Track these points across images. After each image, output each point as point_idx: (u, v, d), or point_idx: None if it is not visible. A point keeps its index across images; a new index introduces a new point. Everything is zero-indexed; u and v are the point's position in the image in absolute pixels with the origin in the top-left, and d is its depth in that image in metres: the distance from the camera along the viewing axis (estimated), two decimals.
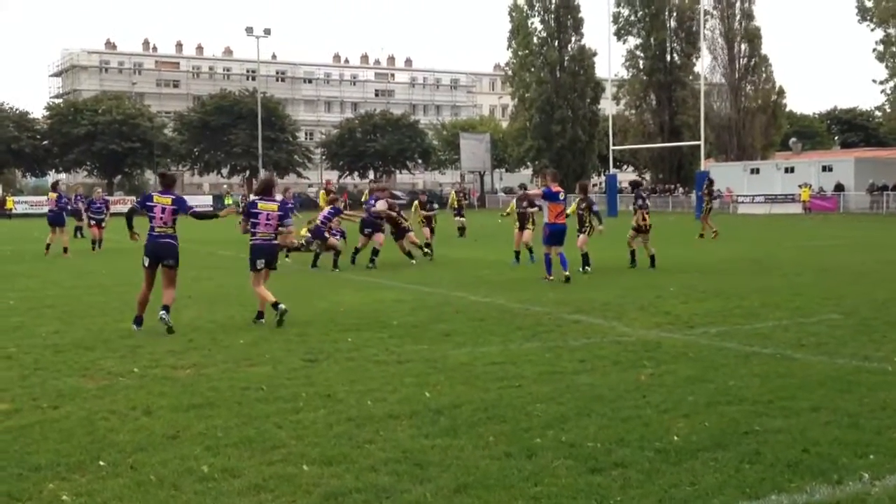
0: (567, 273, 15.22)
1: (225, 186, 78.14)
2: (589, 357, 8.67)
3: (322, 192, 28.10)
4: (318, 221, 19.27)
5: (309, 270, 18.32)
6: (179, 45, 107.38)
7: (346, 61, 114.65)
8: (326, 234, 18.91)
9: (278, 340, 9.86)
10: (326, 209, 19.96)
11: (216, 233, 27.40)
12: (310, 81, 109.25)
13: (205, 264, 20.49)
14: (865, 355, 8.55)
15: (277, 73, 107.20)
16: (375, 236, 18.96)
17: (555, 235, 15.48)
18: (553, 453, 5.55)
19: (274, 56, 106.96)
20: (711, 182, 32.39)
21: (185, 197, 14.69)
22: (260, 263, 11.20)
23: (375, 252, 18.68)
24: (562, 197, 15.87)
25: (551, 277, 15.27)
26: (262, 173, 76.66)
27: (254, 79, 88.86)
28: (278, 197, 12.52)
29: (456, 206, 31.27)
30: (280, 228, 11.30)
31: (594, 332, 10.25)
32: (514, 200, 20.13)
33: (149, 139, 73.47)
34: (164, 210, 10.77)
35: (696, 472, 5.17)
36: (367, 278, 16.70)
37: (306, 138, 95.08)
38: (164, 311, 10.43)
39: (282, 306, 10.84)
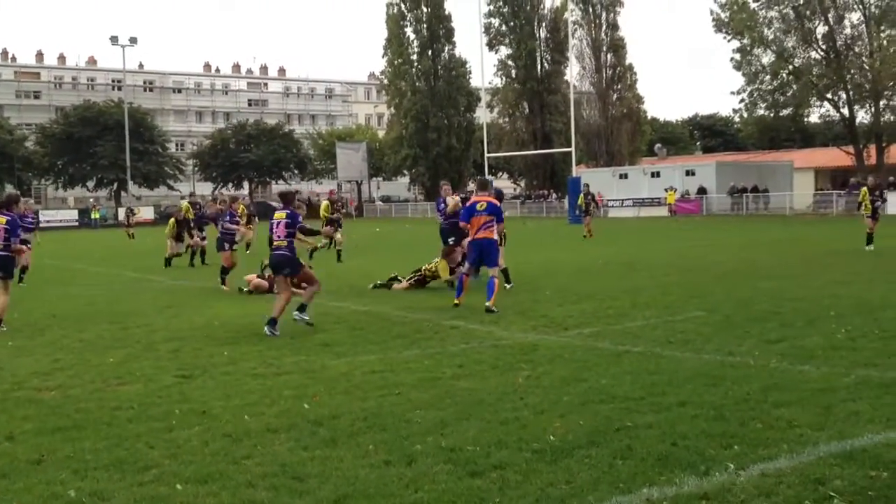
0: (489, 304, 12.38)
1: (91, 200, 75.42)
2: (468, 362, 8.76)
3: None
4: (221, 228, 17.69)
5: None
6: (40, 55, 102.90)
7: (217, 70, 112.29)
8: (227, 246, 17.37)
9: (150, 357, 9.56)
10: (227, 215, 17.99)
11: (86, 249, 26.40)
12: (179, 91, 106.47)
13: (74, 281, 19.72)
14: (729, 350, 8.93)
15: (145, 82, 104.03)
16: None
17: (481, 253, 13.03)
18: (433, 459, 5.58)
19: (141, 65, 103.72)
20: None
21: (50, 212, 14.33)
22: None
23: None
24: (481, 208, 13.01)
25: (458, 302, 12.90)
26: (131, 185, 74.51)
27: (120, 89, 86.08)
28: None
29: (329, 216, 29.95)
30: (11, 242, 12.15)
31: (472, 338, 10.35)
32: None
33: (8, 152, 70.19)
34: (278, 224, 11.49)
35: (571, 470, 5.29)
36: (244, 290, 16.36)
37: (177, 149, 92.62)
38: (299, 312, 11.19)
39: None
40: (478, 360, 8.87)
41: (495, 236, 13.16)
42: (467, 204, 13.68)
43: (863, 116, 58.23)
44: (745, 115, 63.69)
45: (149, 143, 77.18)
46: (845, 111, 57.69)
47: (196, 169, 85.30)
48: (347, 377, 8.22)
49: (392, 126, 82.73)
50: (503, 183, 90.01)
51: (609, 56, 72.49)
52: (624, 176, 62.63)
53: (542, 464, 5.42)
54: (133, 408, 7.19)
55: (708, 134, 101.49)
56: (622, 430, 6.07)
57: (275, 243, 11.64)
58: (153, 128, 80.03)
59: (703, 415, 6.42)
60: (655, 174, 60.59)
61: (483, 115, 65.07)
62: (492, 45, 74.39)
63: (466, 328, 11.07)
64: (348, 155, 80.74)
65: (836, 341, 9.20)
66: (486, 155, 59.48)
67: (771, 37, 58.03)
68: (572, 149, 54.51)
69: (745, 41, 58.31)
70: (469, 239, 13.24)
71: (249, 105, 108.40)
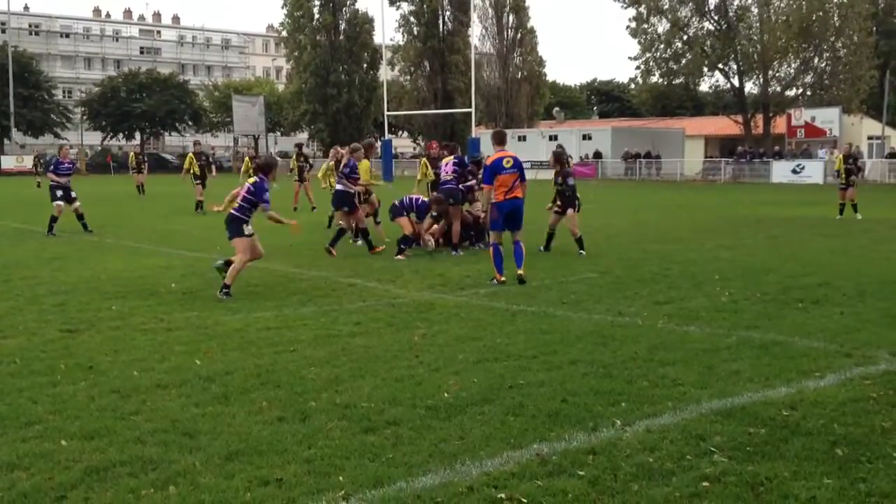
0: (521, 271, 11.21)
1: None
2: (364, 320, 8.75)
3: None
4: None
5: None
6: None
7: (108, 16, 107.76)
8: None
9: (33, 311, 9.23)
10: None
11: None
12: (67, 36, 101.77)
13: None
14: (619, 310, 9.18)
15: (31, 25, 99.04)
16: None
17: (511, 216, 11.32)
18: (327, 415, 5.57)
19: (26, 7, 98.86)
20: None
21: None
22: None
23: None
24: (508, 165, 11.24)
25: (503, 278, 11.22)
26: (14, 133, 71.23)
27: (3, 31, 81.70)
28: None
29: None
30: None
31: (370, 296, 10.34)
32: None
33: None
34: (447, 164, 14.90)
35: (464, 426, 5.36)
36: (134, 244, 15.91)
37: (64, 96, 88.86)
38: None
39: None
40: (374, 317, 8.88)
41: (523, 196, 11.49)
42: (488, 162, 11.68)
43: (751, 87, 60.18)
44: (640, 81, 64.93)
45: (34, 88, 73.73)
46: (735, 81, 59.42)
47: (84, 118, 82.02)
48: (242, 333, 8.11)
49: (291, 80, 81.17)
50: (403, 142, 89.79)
51: (511, 17, 72.67)
52: (522, 138, 63.21)
53: (436, 420, 5.48)
54: (15, 362, 6.94)
55: (605, 99, 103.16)
56: (515, 388, 6.18)
57: (444, 178, 14.66)
58: (39, 73, 76.41)
59: (593, 373, 6.59)
60: (553, 137, 61.30)
61: (384, 73, 64.46)
62: (393, 1, 73.57)
63: (364, 286, 11.04)
64: (245, 108, 78.80)
65: (719, 303, 9.55)
66: (386, 113, 59.05)
67: (666, 6, 59.14)
68: (472, 109, 54.63)
69: (641, 9, 59.26)
70: (497, 201, 11.20)
71: (142, 53, 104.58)
